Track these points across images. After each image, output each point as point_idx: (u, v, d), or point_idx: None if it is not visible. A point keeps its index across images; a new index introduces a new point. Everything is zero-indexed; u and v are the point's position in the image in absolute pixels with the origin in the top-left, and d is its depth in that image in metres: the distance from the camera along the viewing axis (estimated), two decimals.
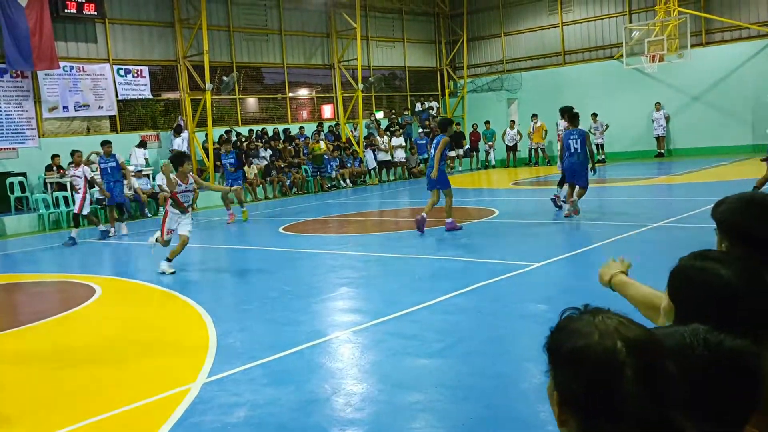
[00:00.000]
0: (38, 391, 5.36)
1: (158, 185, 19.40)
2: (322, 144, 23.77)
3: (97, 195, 17.88)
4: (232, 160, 17.48)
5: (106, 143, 15.50)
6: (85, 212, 14.71)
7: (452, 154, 27.44)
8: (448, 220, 11.73)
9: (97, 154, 15.56)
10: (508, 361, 5.22)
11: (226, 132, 22.63)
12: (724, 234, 2.31)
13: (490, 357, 5.37)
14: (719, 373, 1.45)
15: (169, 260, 9.74)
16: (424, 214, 11.60)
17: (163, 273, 9.63)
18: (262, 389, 4.89)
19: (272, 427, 4.28)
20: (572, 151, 12.60)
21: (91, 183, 14.95)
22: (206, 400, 4.73)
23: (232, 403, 4.64)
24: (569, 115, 12.87)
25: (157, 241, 10.27)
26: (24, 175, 18.13)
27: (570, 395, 1.32)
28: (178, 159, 10.23)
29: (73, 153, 14.89)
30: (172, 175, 9.94)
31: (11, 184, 17.79)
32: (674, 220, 11.06)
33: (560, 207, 13.06)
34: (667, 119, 25.53)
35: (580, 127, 12.87)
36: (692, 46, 24.04)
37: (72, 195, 16.28)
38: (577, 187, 12.52)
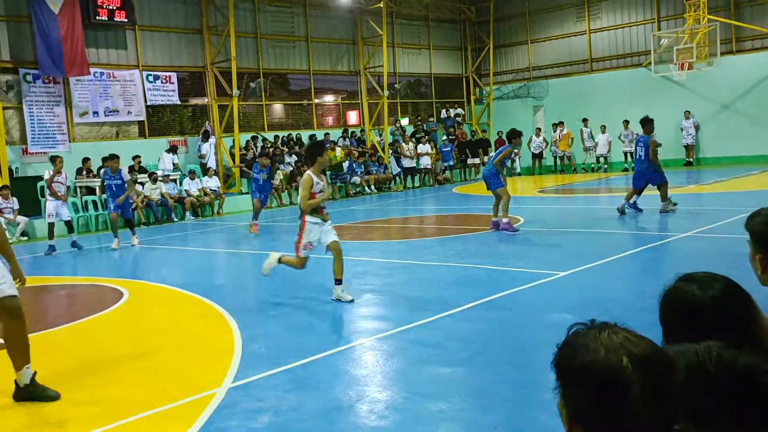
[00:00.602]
0: (64, 392, 5.42)
1: (185, 190, 19.62)
2: (338, 151, 23.82)
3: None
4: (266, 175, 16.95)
5: (112, 158, 14.36)
6: (51, 220, 14.12)
7: (476, 161, 27.43)
8: (504, 221, 12.09)
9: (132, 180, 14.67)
10: (532, 371, 5.19)
11: (252, 138, 22.84)
12: (759, 245, 2.31)
13: (515, 367, 5.34)
14: (731, 389, 1.46)
15: (339, 282, 7.87)
16: (494, 219, 12.35)
17: (339, 300, 7.78)
18: (287, 395, 4.91)
19: None
20: (637, 157, 13.34)
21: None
22: (231, 404, 4.77)
23: (256, 409, 4.67)
24: (642, 121, 13.30)
25: (280, 261, 8.30)
26: None
27: (579, 412, 1.34)
28: (319, 147, 8.14)
29: (53, 159, 14.23)
30: (309, 174, 7.94)
31: (42, 188, 18.07)
32: (703, 230, 10.92)
33: (623, 213, 13.23)
34: (697, 128, 25.24)
35: (641, 133, 13.42)
36: (722, 53, 23.78)
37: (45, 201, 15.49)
38: (659, 186, 13.09)
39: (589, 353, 1.32)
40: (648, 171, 13.09)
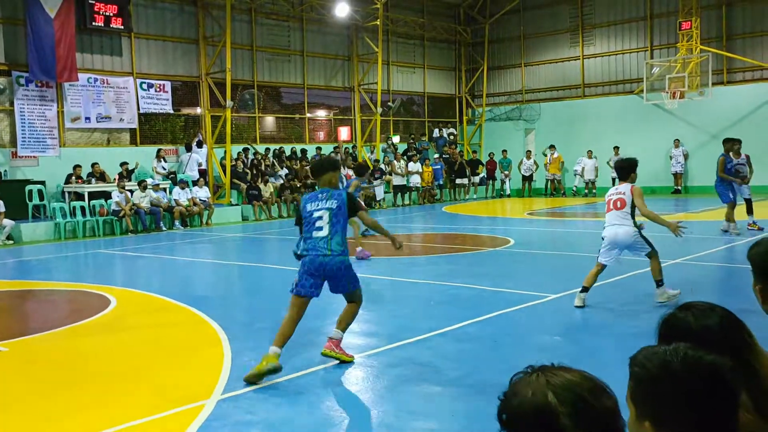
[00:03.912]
0: (48, 402, 5.34)
1: (175, 199, 19.51)
2: None
3: (113, 207, 18.04)
4: None
5: None
6: None
7: (465, 181, 27.54)
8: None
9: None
10: None
11: (244, 150, 22.80)
12: (759, 276, 2.33)
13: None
14: (696, 387, 1.48)
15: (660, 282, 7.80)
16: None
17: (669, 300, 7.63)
18: (277, 409, 4.86)
19: None
20: None
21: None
22: (221, 416, 4.71)
23: (246, 422, 4.62)
24: (723, 140, 14.55)
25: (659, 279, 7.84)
26: (43, 183, 18.29)
27: None
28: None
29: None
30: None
31: (30, 191, 17.95)
32: (691, 258, 10.98)
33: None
34: (686, 156, 25.48)
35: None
36: (713, 84, 24.08)
37: None
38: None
39: (519, 397, 1.41)
40: (717, 187, 13.78)
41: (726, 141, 14.15)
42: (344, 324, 6.08)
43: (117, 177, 18.95)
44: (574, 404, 1.36)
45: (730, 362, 1.53)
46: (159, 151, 20.84)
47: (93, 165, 18.86)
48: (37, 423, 4.87)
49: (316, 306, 8.49)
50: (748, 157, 14.20)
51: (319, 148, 24.93)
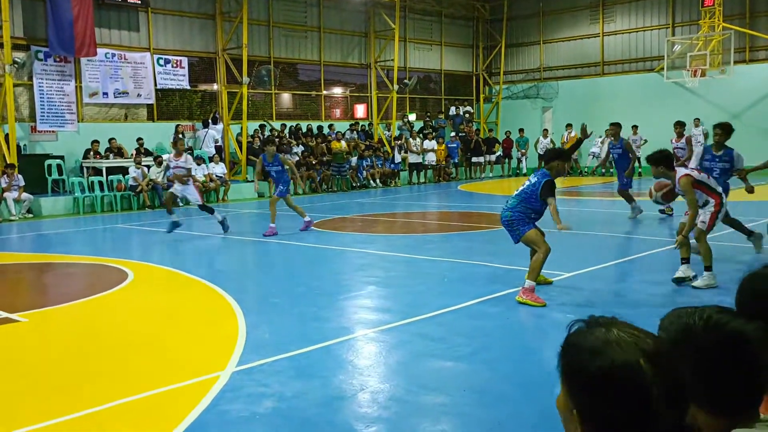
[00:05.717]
0: (64, 372, 5.44)
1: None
2: (343, 143, 23.75)
3: (131, 182, 18.18)
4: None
5: None
6: None
7: (481, 159, 27.41)
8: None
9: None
10: (535, 369, 5.20)
11: (261, 126, 22.83)
12: None
13: (518, 364, 5.35)
14: (719, 354, 1.42)
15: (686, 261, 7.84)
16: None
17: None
18: (290, 382, 4.92)
19: (299, 420, 4.30)
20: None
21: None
22: (235, 388, 4.78)
23: (259, 394, 4.68)
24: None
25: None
26: (62, 158, 18.45)
27: (595, 416, 1.28)
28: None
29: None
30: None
31: (49, 166, 18.12)
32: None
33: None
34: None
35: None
36: (735, 62, 23.71)
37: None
38: None
39: (605, 356, 1.26)
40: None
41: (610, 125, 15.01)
42: (531, 272, 7.10)
43: (134, 152, 19.08)
44: (665, 374, 1.25)
45: (760, 331, 1.45)
46: (177, 126, 20.92)
47: (110, 140, 19.00)
48: (52, 392, 4.96)
49: (321, 285, 8.53)
50: (689, 139, 14.60)
51: (331, 125, 24.83)
